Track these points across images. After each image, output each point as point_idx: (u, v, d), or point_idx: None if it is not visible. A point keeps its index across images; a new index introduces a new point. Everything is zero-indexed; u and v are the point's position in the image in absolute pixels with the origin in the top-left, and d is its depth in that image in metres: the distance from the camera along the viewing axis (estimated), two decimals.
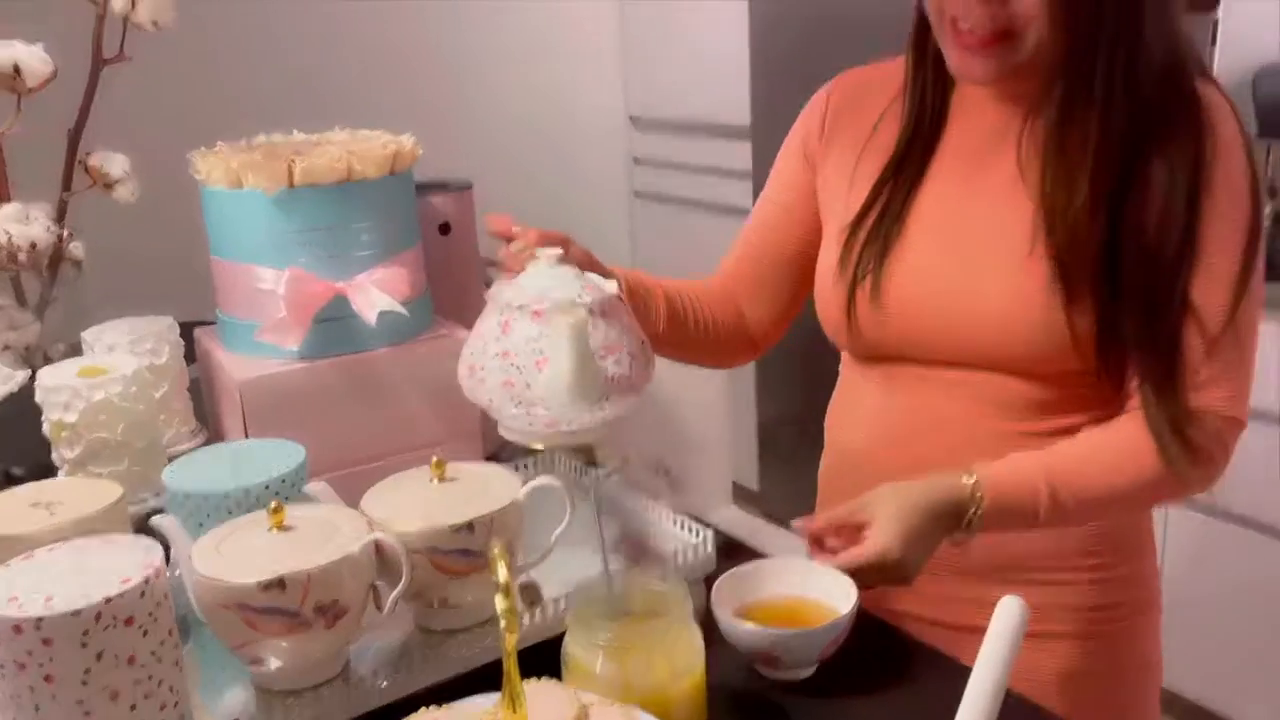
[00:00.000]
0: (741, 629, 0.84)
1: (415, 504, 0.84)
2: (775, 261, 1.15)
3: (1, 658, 0.69)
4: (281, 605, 0.75)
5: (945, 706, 0.62)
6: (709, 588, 0.90)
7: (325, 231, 1.04)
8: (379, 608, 0.81)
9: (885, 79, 1.07)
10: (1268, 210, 1.87)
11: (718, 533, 0.99)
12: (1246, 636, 1.95)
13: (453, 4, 2.96)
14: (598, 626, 0.77)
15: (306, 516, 0.81)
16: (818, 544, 0.94)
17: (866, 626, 0.90)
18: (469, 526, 0.82)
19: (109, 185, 1.03)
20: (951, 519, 0.92)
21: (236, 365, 1.05)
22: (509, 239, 0.94)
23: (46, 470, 1.04)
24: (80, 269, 1.09)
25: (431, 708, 0.66)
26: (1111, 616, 1.04)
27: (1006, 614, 0.60)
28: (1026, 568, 1.01)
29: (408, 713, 0.66)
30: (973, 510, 0.92)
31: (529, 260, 0.89)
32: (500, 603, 0.58)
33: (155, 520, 0.83)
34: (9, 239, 0.96)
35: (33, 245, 0.98)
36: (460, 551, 0.82)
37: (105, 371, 0.95)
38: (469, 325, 1.20)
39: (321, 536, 0.79)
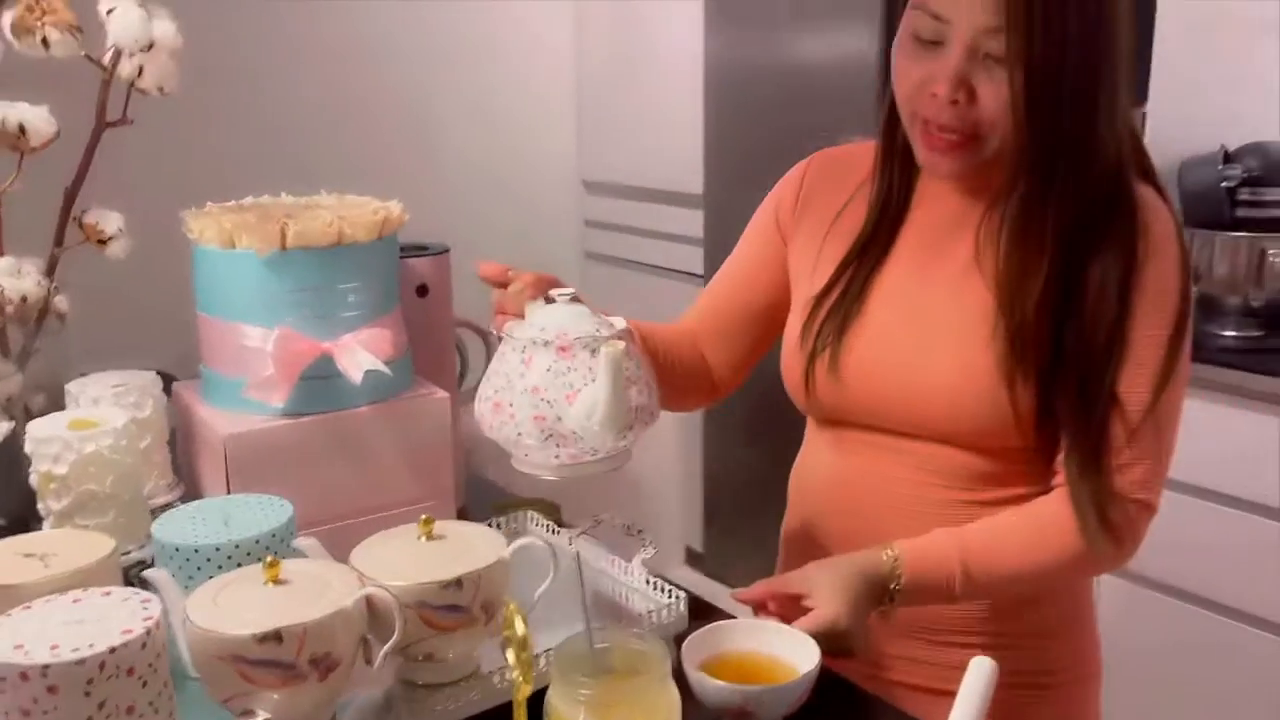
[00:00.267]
0: (712, 685, 0.88)
1: (405, 560, 0.87)
2: (739, 315, 1.21)
3: (6, 705, 0.70)
4: (277, 658, 0.77)
5: None
6: (678, 646, 0.94)
7: (314, 292, 1.07)
8: (368, 661, 0.84)
9: (857, 160, 1.14)
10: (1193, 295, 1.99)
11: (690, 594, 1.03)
12: (1176, 700, 2.02)
13: (409, 65, 3.03)
14: (580, 682, 0.80)
15: (299, 571, 0.84)
16: (762, 609, 0.98)
17: (826, 685, 0.94)
18: (458, 583, 0.85)
19: (103, 242, 1.05)
20: (879, 590, 0.98)
21: (220, 420, 1.08)
22: (503, 284, 0.99)
23: (23, 521, 1.05)
24: (63, 321, 1.11)
25: None
26: (1051, 683, 1.09)
27: (977, 674, 0.65)
28: (956, 630, 1.06)
29: None
30: (893, 585, 0.98)
31: (526, 302, 0.94)
32: (514, 656, 0.61)
33: (148, 573, 0.85)
34: (1, 292, 0.97)
35: (24, 299, 1.00)
36: (449, 607, 0.85)
37: (95, 424, 0.96)
38: (445, 385, 1.25)
39: (315, 591, 0.81)
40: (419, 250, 1.34)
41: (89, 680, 0.70)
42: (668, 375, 1.17)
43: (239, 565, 0.88)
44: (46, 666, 0.69)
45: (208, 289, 1.10)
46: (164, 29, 0.95)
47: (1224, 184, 2.01)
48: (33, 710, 0.70)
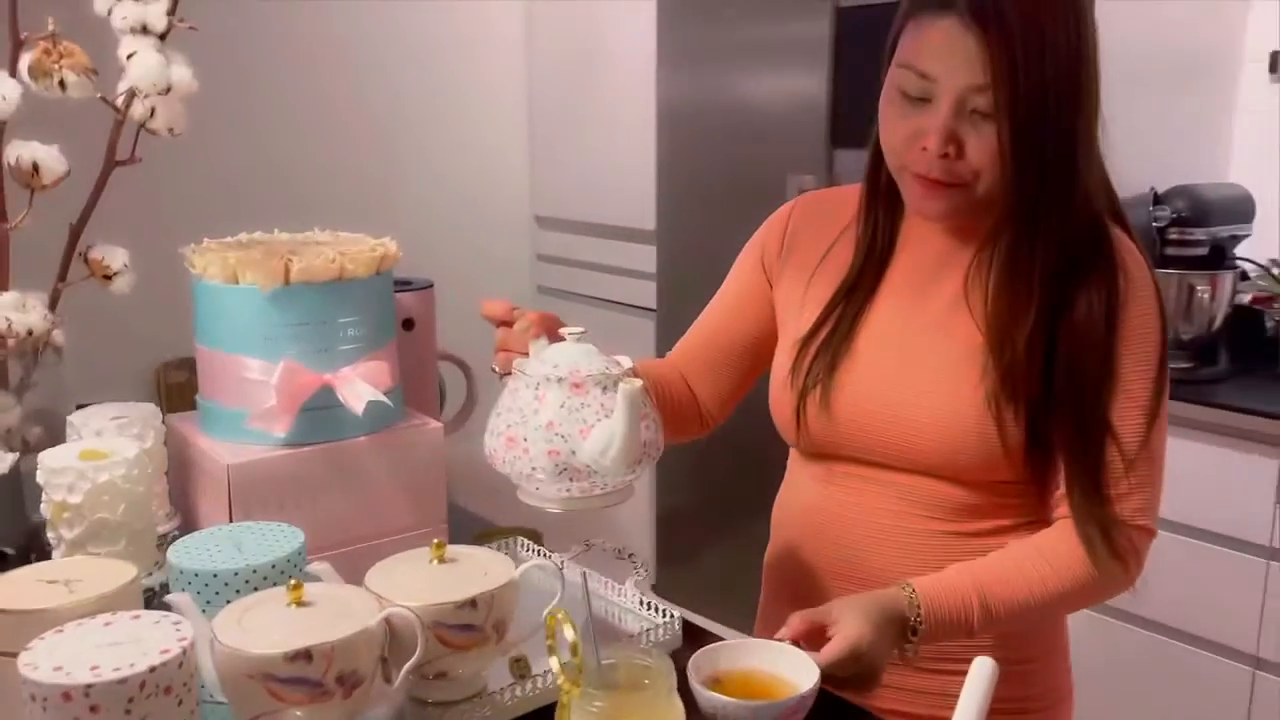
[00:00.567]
0: (718, 701, 0.92)
1: (419, 582, 0.90)
2: (724, 352, 1.25)
3: None
4: (306, 675, 0.80)
5: None
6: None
7: (315, 326, 1.11)
8: (387, 680, 0.87)
9: (842, 203, 1.19)
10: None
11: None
12: None
13: (366, 103, 3.08)
14: (591, 695, 0.84)
15: (320, 593, 0.87)
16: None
17: (826, 703, 0.97)
18: (472, 603, 0.89)
19: (108, 277, 1.08)
20: (900, 625, 1.00)
21: (222, 450, 1.10)
22: (507, 322, 1.03)
23: (24, 551, 1.06)
24: (60, 355, 1.13)
25: None
26: (1033, 708, 1.14)
27: (979, 673, 0.71)
28: (942, 657, 1.09)
29: None
30: (914, 619, 1.00)
31: (531, 340, 0.98)
32: (560, 661, 0.65)
33: (170, 598, 0.87)
34: (9, 325, 0.99)
35: (29, 332, 1.02)
36: (463, 626, 0.89)
37: (106, 455, 0.99)
38: (429, 415, 1.28)
39: (337, 612, 0.85)
40: (404, 285, 1.38)
41: (130, 699, 0.73)
42: (661, 409, 1.22)
43: (255, 589, 0.91)
44: (89, 686, 0.72)
45: (209, 323, 1.13)
46: (180, 73, 0.98)
47: (1154, 224, 2.13)
48: None
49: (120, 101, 1.00)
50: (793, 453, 1.23)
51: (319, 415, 1.11)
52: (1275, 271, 2.24)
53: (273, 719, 0.82)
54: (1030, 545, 1.06)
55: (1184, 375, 2.10)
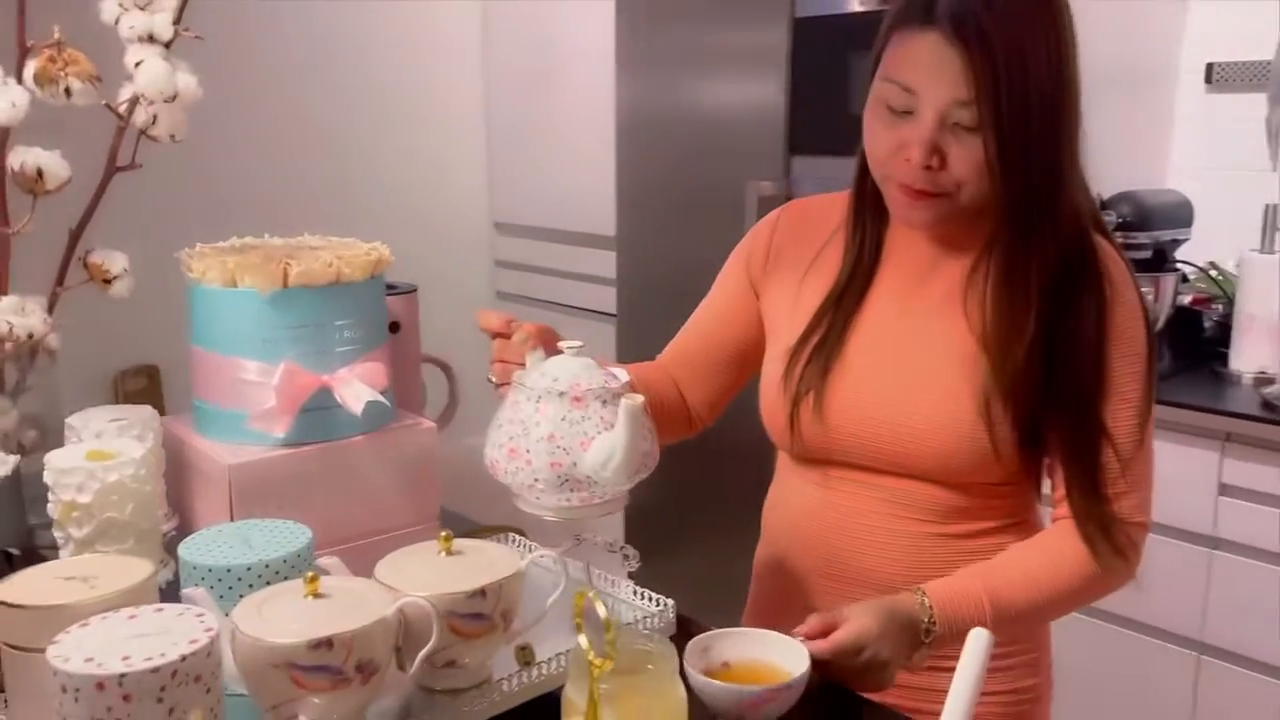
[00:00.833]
0: (714, 686, 0.96)
1: (430, 573, 0.93)
2: (711, 358, 1.29)
3: (78, 713, 0.75)
4: (328, 663, 0.83)
5: None
6: None
7: (313, 329, 1.13)
8: (401, 667, 0.90)
9: (828, 210, 1.23)
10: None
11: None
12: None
13: (323, 111, 3.09)
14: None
15: (334, 585, 0.90)
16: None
17: (822, 690, 1.02)
18: (482, 592, 0.92)
19: (108, 281, 1.09)
20: (913, 627, 1.04)
21: (220, 451, 1.12)
22: (503, 334, 1.06)
23: (32, 551, 1.07)
24: (54, 359, 1.14)
25: None
26: (1022, 700, 1.19)
27: (976, 644, 0.76)
28: (939, 655, 1.10)
29: None
30: (926, 620, 1.04)
31: (528, 352, 1.01)
32: (589, 640, 0.69)
33: (188, 592, 0.90)
34: (10, 329, 1.01)
35: (29, 335, 1.03)
36: (473, 615, 0.92)
37: (112, 456, 1.01)
38: (417, 414, 1.31)
39: (352, 603, 0.88)
40: (389, 289, 1.41)
41: (162, 687, 0.76)
42: (652, 412, 1.25)
43: (267, 584, 0.93)
44: (123, 675, 0.74)
45: (206, 326, 1.15)
46: (186, 81, 1.00)
47: None
48: (105, 718, 0.75)
49: (123, 108, 1.02)
50: (782, 456, 1.26)
51: (316, 416, 1.14)
52: (1213, 274, 2.35)
53: (293, 706, 0.84)
54: (1034, 546, 1.11)
55: None
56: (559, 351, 1.11)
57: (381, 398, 1.13)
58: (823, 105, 2.42)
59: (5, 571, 0.91)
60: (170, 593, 0.99)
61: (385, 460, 1.18)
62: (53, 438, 1.17)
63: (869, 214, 1.17)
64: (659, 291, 2.97)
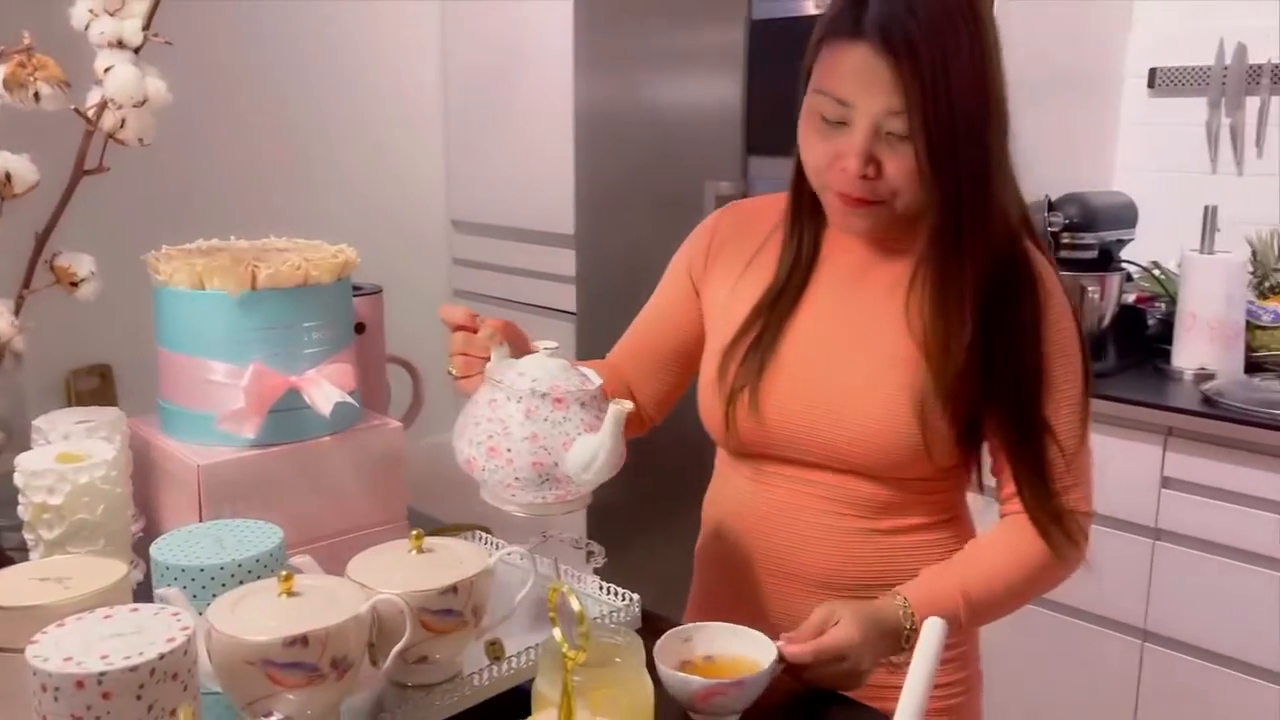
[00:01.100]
0: (681, 679, 1.00)
1: (402, 570, 0.95)
2: (658, 357, 1.32)
3: (58, 712, 0.76)
4: (303, 660, 0.85)
5: None
6: None
7: (281, 330, 1.15)
8: (374, 663, 0.92)
9: (767, 211, 1.26)
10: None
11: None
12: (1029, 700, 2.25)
13: (282, 110, 3.08)
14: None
15: (308, 584, 0.92)
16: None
17: (786, 685, 1.05)
18: (453, 589, 0.94)
19: (74, 284, 1.10)
20: (893, 636, 1.07)
21: (188, 452, 1.13)
22: (467, 328, 1.08)
23: (0, 553, 1.08)
24: (20, 360, 1.15)
25: None
26: (960, 691, 1.23)
27: (930, 632, 0.79)
28: None
29: None
30: (908, 627, 1.07)
31: (495, 346, 1.04)
32: (561, 633, 0.71)
33: (162, 591, 0.91)
34: None
35: None
36: (445, 611, 0.94)
37: (83, 458, 1.01)
38: (383, 414, 1.33)
39: (325, 600, 0.89)
40: (354, 290, 1.42)
41: (141, 685, 0.77)
42: None
43: (240, 583, 0.95)
44: (102, 674, 0.76)
45: (173, 328, 1.16)
46: (155, 86, 1.01)
47: (1050, 229, 2.28)
48: (85, 716, 0.76)
49: (92, 113, 1.03)
50: (721, 451, 1.29)
51: (284, 416, 1.15)
52: (1156, 273, 2.42)
53: (269, 703, 0.86)
54: (995, 542, 1.15)
55: None
56: (526, 347, 1.13)
57: (350, 398, 1.15)
58: (779, 106, 2.43)
59: None
60: (141, 594, 1.00)
61: (353, 460, 1.19)
62: (18, 440, 1.17)
63: (806, 217, 1.20)
64: (618, 290, 2.99)
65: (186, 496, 1.13)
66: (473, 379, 1.09)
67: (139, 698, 0.77)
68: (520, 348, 1.11)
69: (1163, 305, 2.40)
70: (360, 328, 1.41)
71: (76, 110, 1.03)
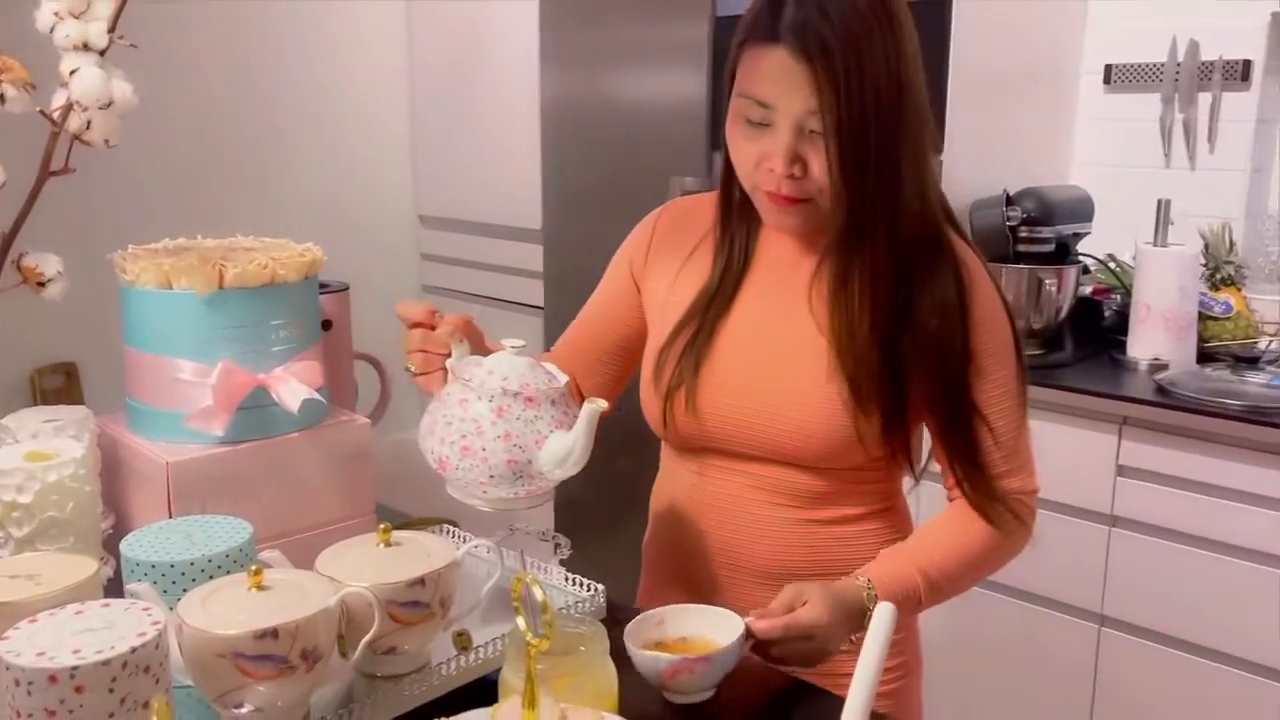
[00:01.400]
0: (650, 657, 1.02)
1: (370, 564, 0.97)
2: (601, 352, 1.34)
3: (31, 706, 0.78)
4: (273, 652, 0.86)
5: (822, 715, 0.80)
6: None
7: (249, 329, 1.16)
8: (343, 654, 0.94)
9: (705, 208, 1.28)
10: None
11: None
12: (993, 693, 2.30)
13: (249, 105, 3.07)
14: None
15: (277, 578, 0.93)
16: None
17: (753, 666, 1.08)
18: (421, 581, 0.96)
19: (42, 284, 1.11)
20: (858, 616, 1.10)
21: (157, 449, 1.15)
22: (426, 324, 1.10)
23: None
24: None
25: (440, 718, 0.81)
26: (902, 675, 1.26)
27: (880, 618, 0.83)
28: None
29: None
30: (871, 607, 1.09)
31: (455, 344, 1.05)
32: (525, 621, 0.74)
33: (132, 587, 0.92)
34: None
35: None
36: (412, 603, 0.96)
37: (51, 456, 1.02)
38: (350, 411, 1.34)
39: (295, 594, 0.91)
40: (321, 287, 1.43)
41: (113, 679, 0.79)
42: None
43: (210, 578, 0.96)
44: (74, 668, 0.77)
45: (140, 327, 1.17)
46: (121, 88, 1.02)
47: (1007, 223, 2.32)
48: (59, 710, 0.78)
49: (57, 114, 1.03)
50: (664, 444, 1.32)
51: (252, 414, 1.17)
52: (1112, 265, 2.47)
53: (240, 695, 0.88)
54: (945, 524, 1.18)
55: (1034, 361, 2.29)
56: (483, 344, 1.15)
57: (318, 395, 1.16)
58: None
59: None
60: (111, 591, 1.01)
61: (321, 456, 1.21)
62: None
63: (737, 218, 1.23)
64: (587, 284, 2.98)
65: (156, 494, 1.14)
66: (432, 376, 1.10)
67: (111, 691, 0.79)
68: (477, 345, 1.13)
69: (1118, 297, 2.45)
70: (327, 325, 1.43)
71: (42, 112, 1.04)
